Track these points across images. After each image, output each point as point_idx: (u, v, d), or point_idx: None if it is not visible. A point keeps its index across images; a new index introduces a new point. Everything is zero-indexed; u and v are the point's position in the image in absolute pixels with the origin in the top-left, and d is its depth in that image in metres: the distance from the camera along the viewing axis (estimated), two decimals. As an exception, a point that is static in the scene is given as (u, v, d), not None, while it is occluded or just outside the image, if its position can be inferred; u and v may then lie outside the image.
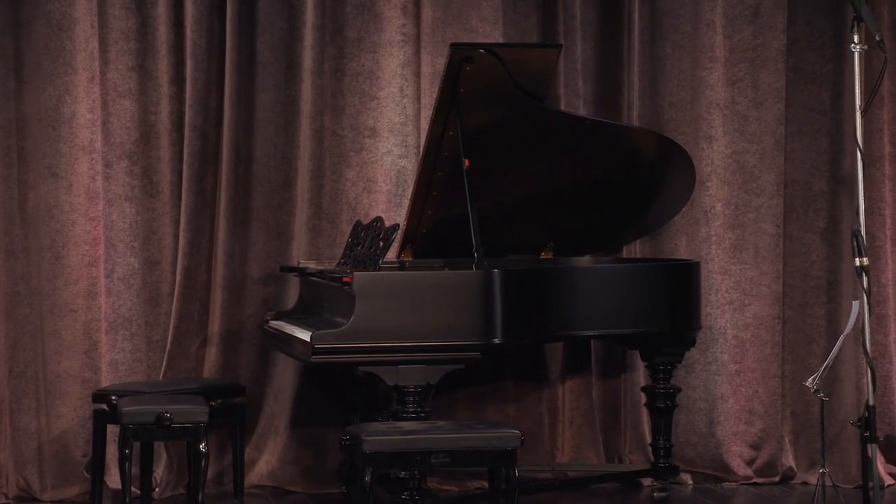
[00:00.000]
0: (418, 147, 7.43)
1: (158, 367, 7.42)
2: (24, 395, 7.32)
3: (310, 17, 7.46)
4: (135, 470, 6.88)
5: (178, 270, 7.44)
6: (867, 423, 4.88)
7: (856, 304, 6.12)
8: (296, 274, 7.35)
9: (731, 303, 7.69)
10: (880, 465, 7.31)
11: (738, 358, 7.68)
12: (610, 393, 7.74)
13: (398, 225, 6.82)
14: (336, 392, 7.38)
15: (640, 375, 7.52)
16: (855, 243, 5.06)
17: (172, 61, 7.44)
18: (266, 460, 7.48)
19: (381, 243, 6.69)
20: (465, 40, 7.29)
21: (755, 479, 7.64)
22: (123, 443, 6.66)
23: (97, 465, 7.10)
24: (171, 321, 7.44)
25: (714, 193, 7.69)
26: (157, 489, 7.26)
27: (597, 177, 7.19)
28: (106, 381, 7.29)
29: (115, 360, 7.37)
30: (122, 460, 6.66)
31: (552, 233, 7.39)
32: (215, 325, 7.49)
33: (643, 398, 7.39)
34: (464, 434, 6.07)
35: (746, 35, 7.69)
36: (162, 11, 7.41)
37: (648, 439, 7.46)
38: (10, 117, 7.31)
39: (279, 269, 7.47)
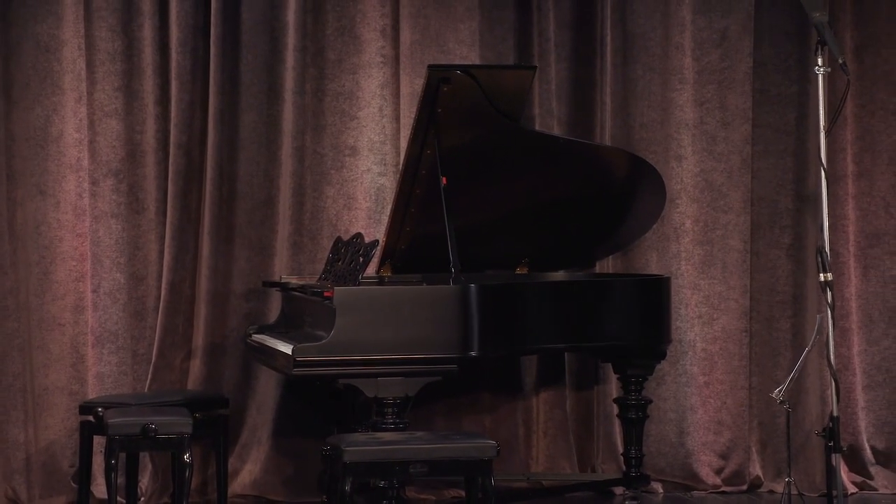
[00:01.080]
0: (397, 165, 7.44)
1: (144, 380, 7.42)
2: (13, 406, 7.30)
3: (291, 39, 7.48)
4: (120, 480, 6.87)
5: (164, 285, 7.44)
6: (831, 433, 4.90)
7: (820, 317, 6.15)
8: (278, 289, 7.35)
9: (700, 317, 7.72)
10: (844, 474, 7.36)
11: (706, 370, 7.70)
12: (583, 404, 7.76)
13: (377, 241, 6.82)
14: (317, 404, 7.38)
15: (613, 387, 7.54)
16: (819, 259, 5.09)
17: (158, 82, 7.44)
18: (249, 470, 7.47)
19: (361, 259, 6.70)
20: (443, 62, 7.32)
21: (723, 488, 7.66)
22: (109, 453, 6.65)
23: (84, 476, 7.07)
24: (157, 335, 7.43)
25: (683, 211, 7.72)
26: (142, 499, 7.25)
27: (570, 194, 7.21)
28: (92, 394, 7.29)
29: (102, 373, 7.36)
30: (108, 470, 6.65)
31: (527, 249, 7.40)
32: (199, 339, 7.48)
33: (615, 409, 7.40)
34: (441, 444, 6.08)
35: (714, 58, 7.72)
36: (147, 34, 7.42)
37: (620, 449, 7.46)
38: (0, 136, 7.34)
39: (262, 284, 7.46)
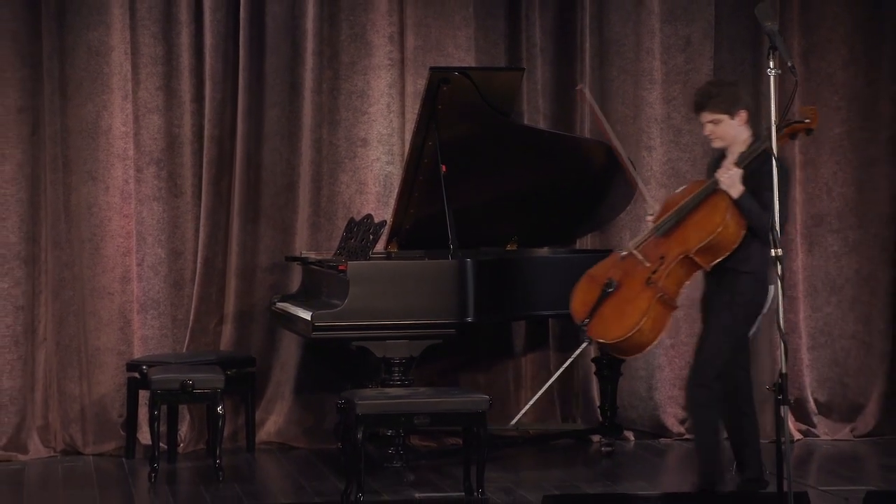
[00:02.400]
0: (402, 155, 7.43)
1: (182, 342, 7.43)
2: (69, 364, 7.33)
3: (310, 44, 7.47)
4: (162, 428, 6.91)
5: (199, 260, 7.45)
6: (780, 388, 4.92)
7: (771, 288, 6.16)
8: (298, 263, 7.37)
9: (667, 287, 7.72)
10: (791, 424, 7.38)
11: (672, 334, 7.68)
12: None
13: (385, 221, 6.84)
14: (333, 363, 7.40)
15: (591, 349, 7.53)
16: (771, 237, 5.09)
17: (194, 82, 7.44)
18: (273, 420, 7.48)
19: (371, 237, 6.72)
20: (443, 65, 7.31)
21: (687, 436, 7.65)
22: (153, 406, 6.70)
23: (131, 425, 7.13)
24: (193, 303, 7.45)
25: (653, 195, 7.71)
26: (181, 445, 7.28)
27: (554, 180, 7.21)
28: (137, 354, 7.30)
29: (146, 336, 7.38)
30: (152, 420, 6.70)
31: (516, 228, 7.39)
32: (230, 307, 7.49)
33: (593, 368, 7.40)
34: (441, 399, 6.11)
35: (680, 61, 7.72)
36: (185, 40, 7.41)
37: (597, 403, 7.44)
38: (56, 130, 7.31)
39: (284, 258, 7.47)
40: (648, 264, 5.90)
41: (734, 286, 5.90)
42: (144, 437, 7.14)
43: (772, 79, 5.03)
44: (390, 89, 7.53)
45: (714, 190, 5.86)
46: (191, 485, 6.66)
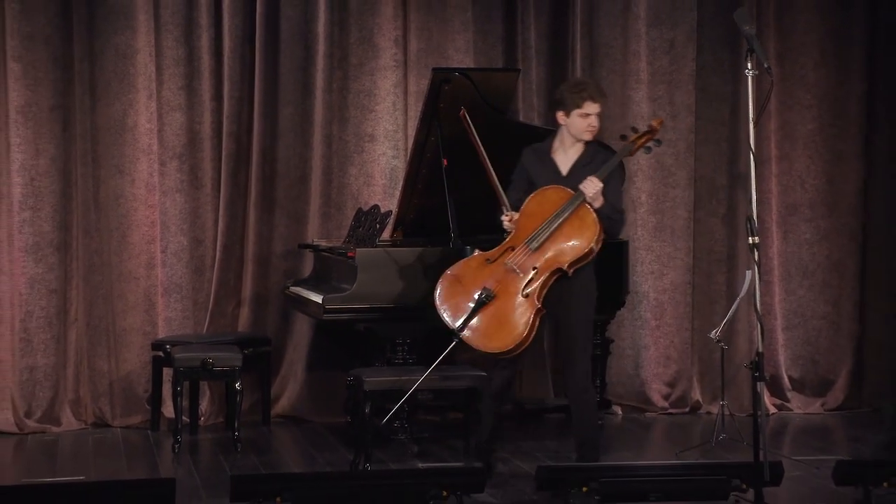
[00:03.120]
0: (407, 150, 7.45)
1: (203, 323, 7.45)
2: (98, 343, 7.35)
3: (321, 47, 7.48)
4: (185, 403, 6.94)
5: (218, 247, 7.46)
6: (757, 365, 4.92)
7: (748, 273, 6.17)
8: (310, 250, 7.37)
9: (652, 272, 7.74)
10: (766, 398, 7.42)
11: (657, 315, 7.73)
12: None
13: (391, 211, 6.85)
14: (342, 343, 7.41)
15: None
16: (748, 225, 5.09)
17: (213, 82, 7.45)
18: (287, 396, 7.50)
19: (378, 226, 6.73)
20: (444, 66, 7.31)
21: (670, 410, 7.70)
22: (176, 382, 6.72)
23: (155, 399, 7.15)
24: (213, 287, 7.46)
25: (640, 186, 7.73)
26: (202, 418, 7.30)
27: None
28: (161, 334, 7.32)
29: (169, 317, 7.40)
30: (175, 395, 6.72)
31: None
32: (247, 291, 7.51)
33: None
34: (444, 376, 6.12)
35: (664, 63, 7.72)
36: (205, 43, 7.42)
37: (587, 379, 7.49)
38: (86, 127, 7.32)
39: (297, 246, 7.48)
40: (522, 275, 5.76)
41: (586, 281, 5.84)
42: (168, 410, 7.16)
43: (749, 79, 5.04)
44: (395, 89, 7.54)
45: (581, 202, 5.76)
46: (211, 455, 6.69)
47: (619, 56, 7.69)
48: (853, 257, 7.85)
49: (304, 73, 7.52)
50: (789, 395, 7.78)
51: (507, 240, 5.85)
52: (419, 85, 7.43)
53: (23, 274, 7.20)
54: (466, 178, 6.92)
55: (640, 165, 7.68)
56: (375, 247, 6.65)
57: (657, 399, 7.70)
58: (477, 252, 5.94)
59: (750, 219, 5.07)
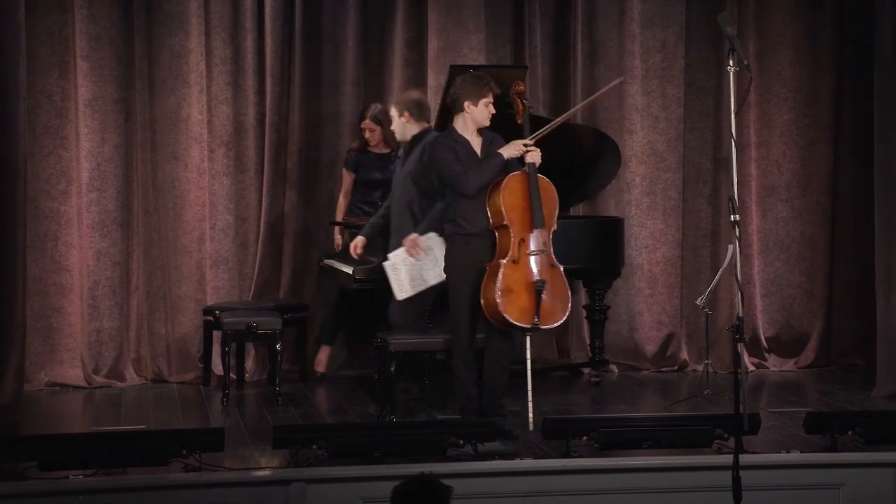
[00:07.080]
0: (427, 138, 7.41)
1: (248, 292, 7.46)
2: (157, 309, 7.38)
3: (350, 49, 7.47)
4: (232, 362, 6.97)
5: (262, 224, 7.47)
6: (738, 329, 4.91)
7: (730, 247, 6.15)
8: (342, 226, 7.37)
9: (646, 247, 7.72)
10: (746, 358, 7.40)
11: (650, 285, 7.71)
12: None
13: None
14: (370, 308, 7.41)
15: (582, 297, 7.54)
16: (730, 205, 5.06)
17: (257, 79, 7.45)
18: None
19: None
20: (460, 63, 7.28)
21: (661, 368, 7.69)
22: (224, 343, 6.75)
23: (206, 359, 7.18)
24: (257, 260, 7.47)
25: (634, 170, 7.71)
26: (247, 375, 7.32)
27: (552, 159, 7.12)
28: (211, 301, 7.34)
29: (218, 286, 7.41)
30: (223, 355, 6.75)
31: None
32: (287, 263, 7.52)
33: (584, 313, 7.41)
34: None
35: (657, 60, 7.68)
36: (249, 44, 7.41)
37: (588, 341, 7.47)
38: (145, 118, 7.34)
39: (328, 223, 7.48)
40: (548, 250, 5.89)
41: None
42: (217, 368, 7.18)
43: (731, 74, 5.01)
44: (416, 84, 7.50)
45: (534, 169, 5.88)
46: (255, 407, 6.71)
47: (616, 54, 7.66)
48: (824, 233, 7.82)
49: (336, 71, 7.50)
50: (766, 354, 7.76)
51: (511, 238, 5.83)
52: (438, 80, 7.40)
53: (90, 248, 7.23)
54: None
55: (634, 151, 7.66)
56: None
57: (649, 358, 7.69)
58: (488, 266, 5.88)
59: (732, 199, 5.04)
